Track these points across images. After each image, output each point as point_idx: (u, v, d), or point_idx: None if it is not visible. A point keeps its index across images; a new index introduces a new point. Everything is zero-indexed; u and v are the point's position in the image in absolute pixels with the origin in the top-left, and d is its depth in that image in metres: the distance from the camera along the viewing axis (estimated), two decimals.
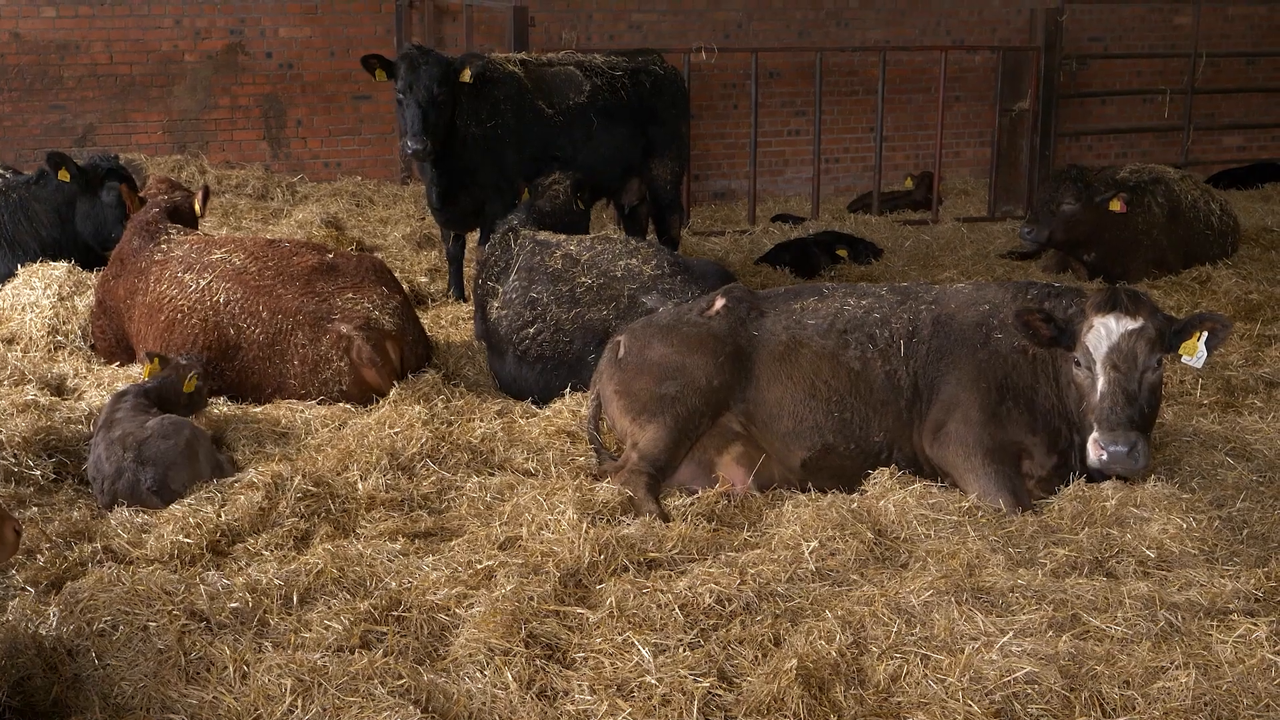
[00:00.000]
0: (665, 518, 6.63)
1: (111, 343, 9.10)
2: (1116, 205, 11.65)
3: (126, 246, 9.06)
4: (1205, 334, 6.52)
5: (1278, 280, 11.72)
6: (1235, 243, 12.80)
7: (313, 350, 8.27)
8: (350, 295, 8.52)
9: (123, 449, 6.85)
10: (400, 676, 4.97)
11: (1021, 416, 6.77)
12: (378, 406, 7.99)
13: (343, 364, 8.24)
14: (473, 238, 11.68)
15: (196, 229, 9.64)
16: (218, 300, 8.40)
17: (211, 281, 8.45)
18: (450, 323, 10.39)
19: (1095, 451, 6.29)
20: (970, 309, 7.05)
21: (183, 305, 8.45)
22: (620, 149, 11.54)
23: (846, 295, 7.36)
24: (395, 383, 8.30)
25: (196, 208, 9.67)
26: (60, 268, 9.90)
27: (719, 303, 7.32)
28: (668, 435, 6.94)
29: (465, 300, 11.14)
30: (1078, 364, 6.50)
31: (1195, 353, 6.53)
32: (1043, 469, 6.78)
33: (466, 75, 10.52)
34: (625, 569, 5.84)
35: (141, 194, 9.76)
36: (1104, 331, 6.40)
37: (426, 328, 10.06)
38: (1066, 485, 6.68)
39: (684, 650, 5.12)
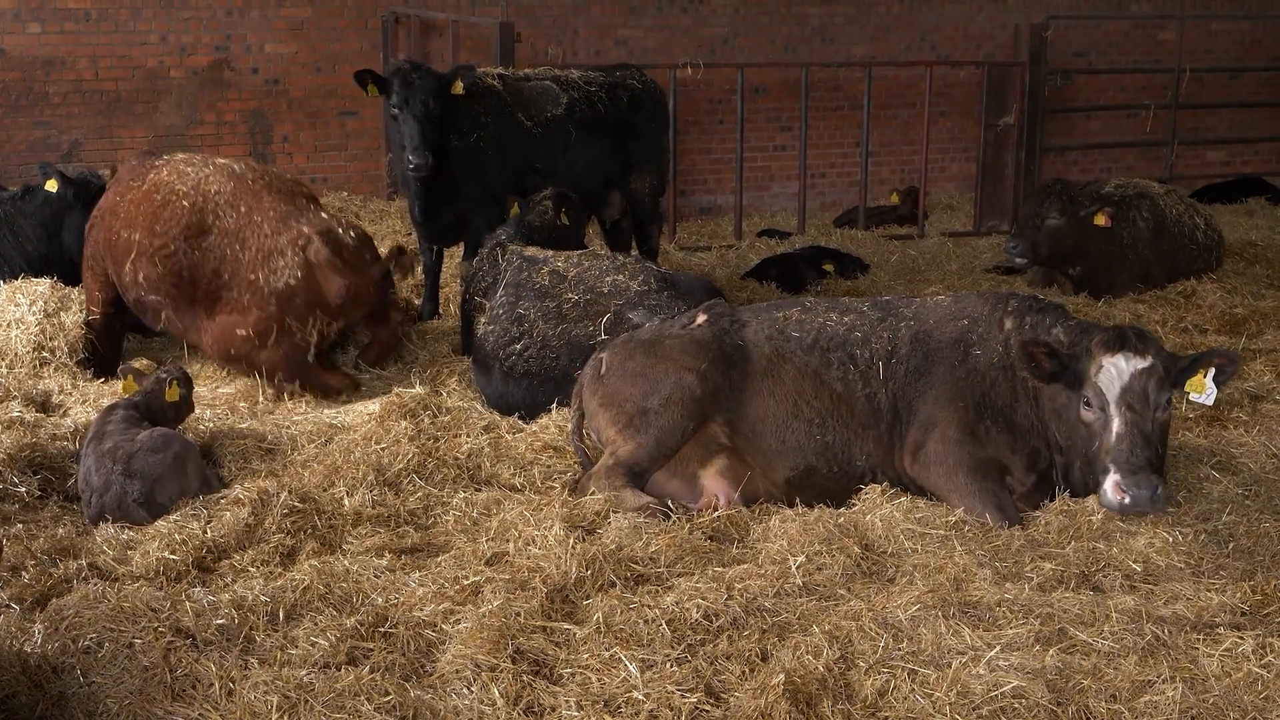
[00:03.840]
0: (666, 512, 6.64)
1: (99, 257, 9.40)
2: (1101, 219, 11.67)
3: (124, 169, 9.64)
4: (1212, 370, 6.53)
5: (1262, 294, 11.76)
6: (1220, 257, 12.83)
7: (272, 241, 8.64)
8: (326, 215, 8.98)
9: (112, 461, 6.85)
10: (387, 693, 4.96)
11: (1000, 435, 6.77)
12: (364, 422, 7.99)
13: (296, 259, 8.56)
14: (455, 254, 11.67)
15: None
16: (209, 189, 8.90)
17: (211, 175, 9.00)
18: (436, 338, 10.38)
19: (1117, 495, 6.22)
20: (948, 324, 7.05)
21: (179, 189, 8.96)
22: (599, 162, 11.54)
23: (829, 310, 7.35)
24: (343, 308, 8.74)
25: None
26: (44, 284, 9.87)
27: (700, 318, 7.33)
28: (651, 446, 6.93)
29: (438, 315, 11.14)
30: (1088, 404, 6.47)
31: (1204, 390, 6.53)
32: (1022, 486, 6.78)
33: (459, 87, 10.54)
34: (612, 584, 5.84)
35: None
36: (1115, 371, 6.37)
37: (415, 341, 10.06)
38: (1048, 501, 6.69)
39: (671, 666, 5.12)
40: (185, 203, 8.86)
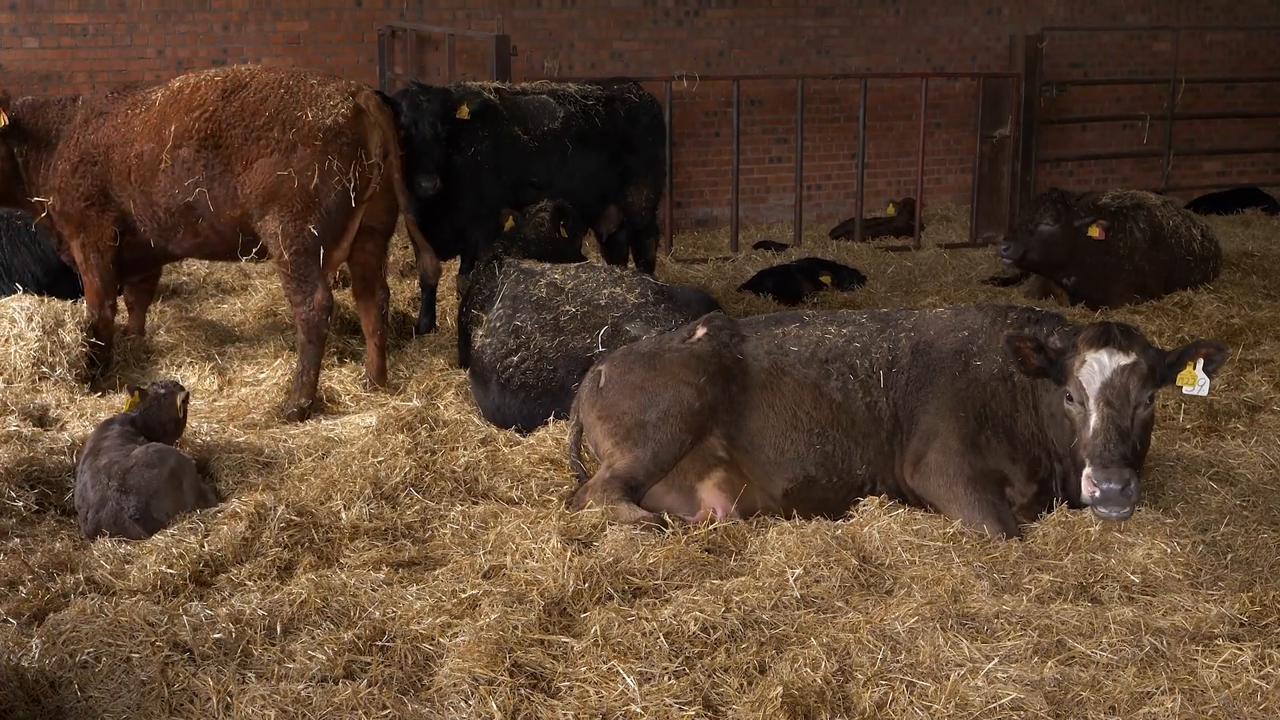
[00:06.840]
0: (663, 523, 6.63)
1: (101, 189, 9.30)
2: (1095, 231, 11.67)
3: (91, 101, 9.46)
4: (1201, 361, 6.52)
5: (1259, 304, 11.77)
6: (1216, 268, 12.84)
7: (320, 88, 8.93)
8: None
9: (107, 477, 6.84)
10: (384, 707, 4.96)
11: (1001, 445, 6.77)
12: (361, 435, 7.99)
13: (347, 103, 8.87)
14: (451, 267, 11.68)
15: None
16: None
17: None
18: (433, 350, 10.38)
19: (1088, 488, 6.23)
20: (949, 335, 7.06)
21: (206, 75, 9.20)
22: (596, 175, 11.54)
23: (827, 323, 7.35)
24: (378, 166, 8.96)
25: None
26: (46, 300, 9.81)
27: (700, 331, 7.33)
28: (649, 460, 6.92)
29: (435, 329, 11.14)
30: (1069, 399, 6.48)
31: (1195, 382, 6.51)
32: (1023, 497, 6.78)
33: (464, 112, 10.55)
34: (610, 597, 5.83)
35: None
36: (1096, 367, 6.38)
37: (409, 353, 10.05)
38: (1047, 512, 6.69)
39: (669, 679, 5.11)
40: (217, 78, 9.11)
